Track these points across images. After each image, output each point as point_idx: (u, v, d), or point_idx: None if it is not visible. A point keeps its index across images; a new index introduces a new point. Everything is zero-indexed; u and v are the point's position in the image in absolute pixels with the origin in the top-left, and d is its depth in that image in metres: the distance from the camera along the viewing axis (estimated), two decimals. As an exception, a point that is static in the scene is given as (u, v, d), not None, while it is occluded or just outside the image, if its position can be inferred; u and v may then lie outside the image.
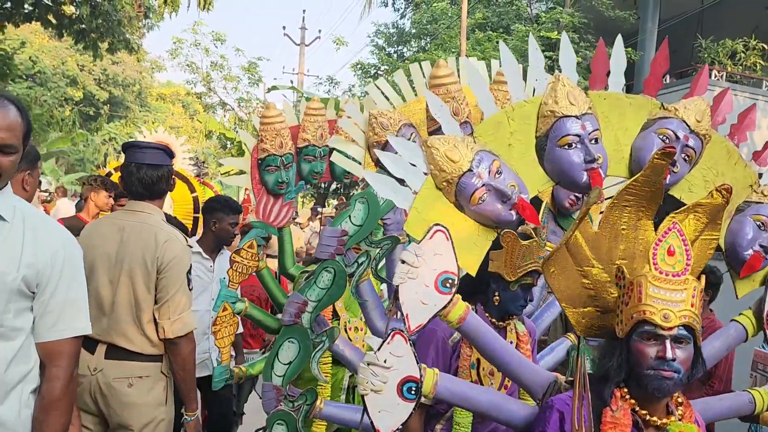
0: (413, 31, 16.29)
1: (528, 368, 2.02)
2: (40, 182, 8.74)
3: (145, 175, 2.63)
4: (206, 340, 3.60)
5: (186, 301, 2.61)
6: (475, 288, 2.33)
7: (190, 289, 2.67)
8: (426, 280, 1.78)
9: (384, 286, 3.24)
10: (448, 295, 1.81)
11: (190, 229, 5.69)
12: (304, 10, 29.45)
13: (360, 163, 2.66)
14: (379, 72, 15.09)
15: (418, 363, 1.81)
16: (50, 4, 10.96)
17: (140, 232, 2.58)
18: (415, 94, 2.81)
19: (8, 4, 10.81)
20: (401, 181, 1.97)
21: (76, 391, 1.86)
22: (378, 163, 2.37)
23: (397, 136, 2.46)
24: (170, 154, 2.78)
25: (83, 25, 11.44)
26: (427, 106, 2.50)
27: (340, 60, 72.15)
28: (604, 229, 1.75)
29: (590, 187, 1.97)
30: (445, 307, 1.81)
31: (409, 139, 2.48)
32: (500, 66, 2.77)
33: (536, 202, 2.17)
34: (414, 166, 1.96)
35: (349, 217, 2.26)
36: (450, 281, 1.80)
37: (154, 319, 2.56)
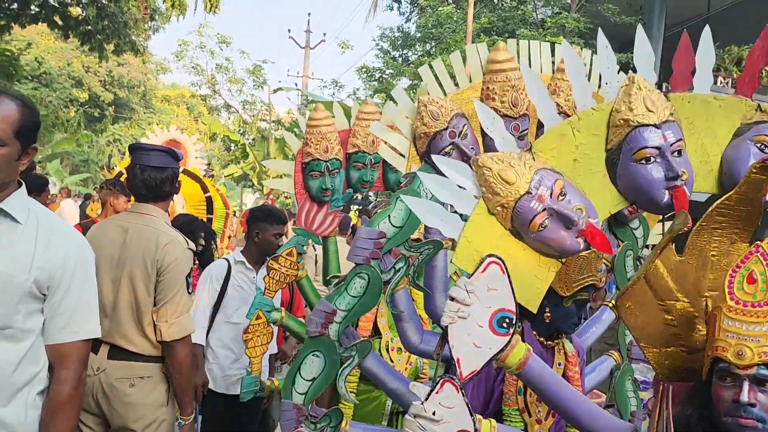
0: (418, 35, 16.30)
1: (603, 422, 1.73)
2: (47, 181, 8.88)
3: (149, 177, 2.64)
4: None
5: (185, 304, 2.62)
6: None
7: (190, 293, 2.67)
8: (479, 320, 1.57)
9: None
10: (506, 336, 1.59)
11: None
12: (309, 14, 29.73)
13: (403, 156, 2.38)
14: (383, 76, 15.09)
15: (472, 415, 1.60)
16: (56, 5, 11.00)
17: (142, 234, 2.59)
18: (470, 80, 2.46)
19: (15, 6, 10.85)
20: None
21: (84, 394, 1.86)
22: (425, 157, 2.25)
23: (447, 128, 2.24)
24: (176, 157, 2.78)
25: (89, 27, 11.47)
26: (481, 95, 2.30)
27: (344, 63, 72.31)
28: (690, 256, 1.54)
29: (673, 208, 1.74)
30: (502, 350, 1.60)
31: (460, 133, 2.24)
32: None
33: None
34: (463, 188, 1.72)
35: (389, 216, 2.06)
36: (507, 320, 1.59)
37: (154, 321, 2.57)
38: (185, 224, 3.92)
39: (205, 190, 6.24)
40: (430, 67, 2.46)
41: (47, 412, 1.74)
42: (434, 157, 1.82)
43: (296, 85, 22.01)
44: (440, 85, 2.46)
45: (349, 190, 3.16)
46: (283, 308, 3.10)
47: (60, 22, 11.20)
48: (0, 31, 11.16)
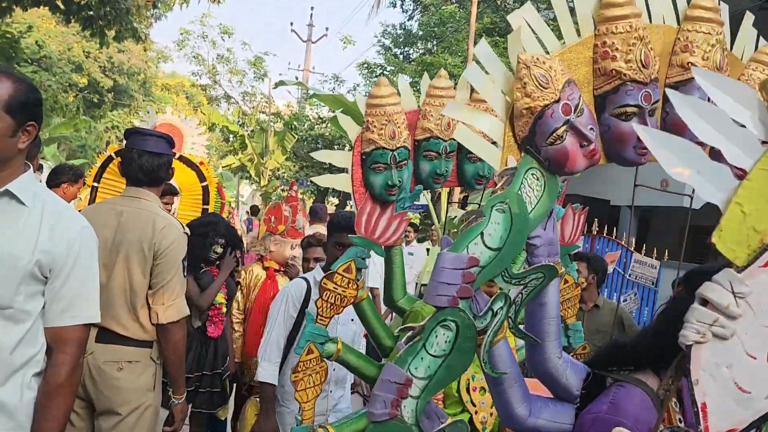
0: (420, 33, 16.30)
1: None
2: (41, 166, 8.69)
3: (146, 162, 2.66)
4: (339, 387, 3.13)
5: (180, 287, 2.64)
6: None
7: (185, 276, 2.70)
8: (751, 345, 1.03)
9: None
10: None
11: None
12: (312, 7, 29.64)
13: (495, 144, 1.73)
14: (384, 72, 15.09)
15: None
16: (59, -11, 10.95)
17: (138, 218, 2.60)
18: (578, 34, 1.76)
19: (17, -12, 10.80)
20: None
21: (80, 378, 1.87)
22: (527, 145, 1.64)
23: (560, 100, 1.60)
24: (172, 143, 2.81)
25: (91, 12, 11.42)
26: (594, 55, 1.71)
27: (346, 59, 72.07)
28: None
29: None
30: None
31: (576, 107, 1.62)
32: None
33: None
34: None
35: (481, 235, 1.50)
36: None
37: (148, 305, 2.58)
38: (200, 225, 3.78)
39: (202, 178, 5.84)
40: (524, 18, 1.74)
41: (43, 395, 1.75)
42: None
43: (297, 78, 21.97)
44: (539, 41, 1.74)
45: (418, 187, 2.54)
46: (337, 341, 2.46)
47: (62, 6, 11.15)
48: (1, 13, 11.11)
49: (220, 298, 3.87)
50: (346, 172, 2.44)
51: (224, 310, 3.95)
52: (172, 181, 5.07)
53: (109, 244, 2.56)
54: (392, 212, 2.43)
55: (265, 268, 4.60)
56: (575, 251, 3.02)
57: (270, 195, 18.45)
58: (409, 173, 2.44)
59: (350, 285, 2.29)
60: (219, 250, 3.85)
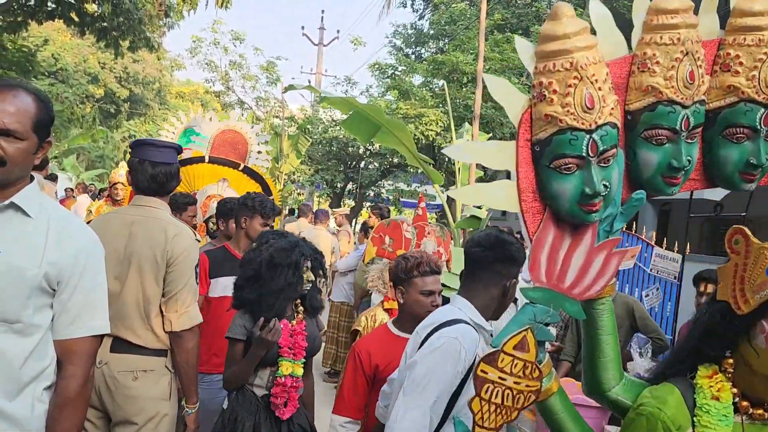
0: (431, 32, 16.26)
1: None
2: (56, 177, 8.72)
3: (160, 173, 2.67)
4: None
5: (194, 294, 2.64)
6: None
7: (197, 283, 2.70)
8: None
9: None
10: None
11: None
12: (323, 11, 29.71)
13: None
14: (396, 73, 15.07)
15: None
16: (73, 2, 11.09)
17: (149, 227, 2.60)
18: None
19: (32, 2, 10.94)
20: None
21: (91, 390, 1.86)
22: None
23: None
24: (180, 152, 2.88)
25: (105, 23, 11.56)
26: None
27: (358, 61, 72.17)
28: None
29: None
30: None
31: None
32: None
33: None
34: None
35: None
36: None
37: (161, 313, 2.58)
38: (288, 247, 2.63)
39: (267, 192, 5.37)
40: None
41: (55, 408, 1.73)
42: None
43: (309, 82, 22.04)
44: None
45: (638, 194, 1.67)
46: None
47: (76, 19, 11.29)
48: (17, 27, 11.27)
49: (293, 368, 2.63)
50: (501, 176, 1.88)
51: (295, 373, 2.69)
52: (235, 195, 4.91)
53: (120, 254, 2.57)
54: (592, 240, 1.61)
55: (387, 310, 3.37)
56: None
57: (286, 199, 18.52)
58: (620, 170, 1.59)
59: (529, 372, 1.52)
60: (311, 277, 2.73)
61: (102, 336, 1.83)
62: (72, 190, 14.36)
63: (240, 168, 5.35)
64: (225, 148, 5.46)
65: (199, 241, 2.79)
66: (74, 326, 1.75)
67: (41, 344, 1.70)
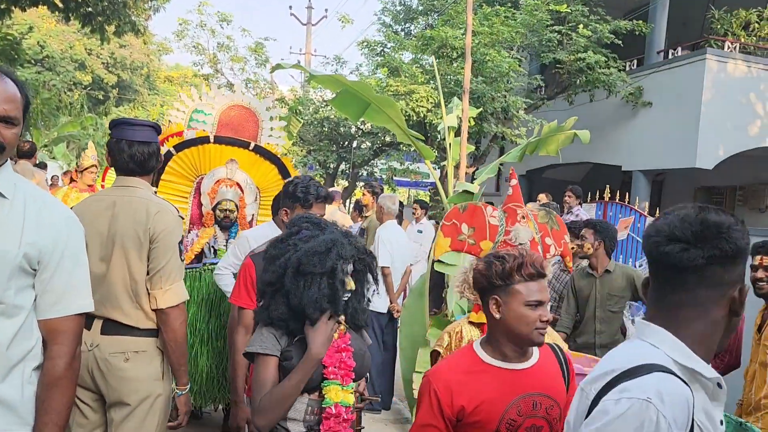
0: (420, 7, 16.09)
1: None
2: (45, 165, 8.49)
3: (137, 152, 2.66)
4: None
5: (178, 270, 2.63)
6: None
7: (182, 260, 2.69)
8: None
9: None
10: None
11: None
12: (310, -11, 29.16)
13: None
14: (385, 50, 14.94)
15: None
16: (55, -13, 10.92)
17: (131, 206, 2.60)
18: None
19: (14, -12, 10.78)
20: None
21: (79, 369, 1.86)
22: None
23: None
24: (159, 131, 2.83)
25: (89, 8, 11.40)
26: None
27: (348, 40, 71.53)
28: None
29: None
30: None
31: None
32: None
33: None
34: None
35: None
36: None
37: (148, 291, 2.58)
38: (321, 248, 2.04)
39: (285, 174, 4.74)
40: None
41: (43, 388, 1.74)
42: None
43: (299, 62, 21.87)
44: None
45: None
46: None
47: (60, 5, 11.13)
48: (1, 14, 11.11)
49: (343, 395, 2.03)
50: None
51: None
52: (246, 179, 4.63)
53: (104, 235, 2.57)
54: None
55: (475, 324, 2.78)
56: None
57: (279, 181, 18.43)
58: None
59: None
60: (351, 286, 2.12)
61: (85, 314, 1.83)
62: (57, 177, 14.26)
63: (250, 147, 4.71)
64: (233, 127, 4.82)
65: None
66: (58, 306, 1.75)
67: (26, 325, 1.71)
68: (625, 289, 4.38)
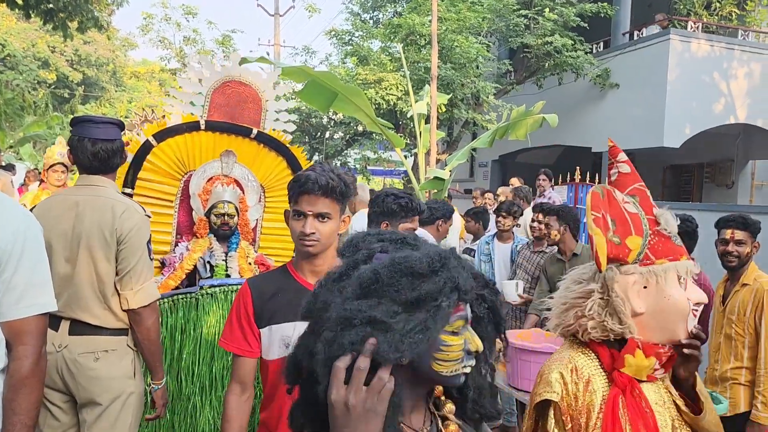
0: (388, -5, 16.07)
1: None
2: (13, 166, 7.84)
3: (100, 150, 2.61)
4: None
5: (148, 270, 2.60)
6: None
7: (151, 259, 2.65)
8: None
9: None
10: None
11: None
12: (276, -21, 28.83)
13: None
14: (353, 39, 14.89)
15: None
16: (13, -17, 10.66)
17: (96, 205, 2.55)
18: None
19: (-30, -14, 10.50)
20: None
21: (46, 368, 1.83)
22: None
23: None
24: (122, 128, 2.75)
25: (50, 5, 11.15)
26: None
27: (316, 29, 70.94)
28: None
29: None
30: None
31: None
32: None
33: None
34: None
35: None
36: None
37: (117, 292, 2.55)
38: (429, 267, 1.05)
39: (296, 167, 3.86)
40: None
41: (9, 390, 1.71)
42: None
43: (267, 54, 21.67)
44: None
45: None
46: None
47: (19, 1, 10.87)
48: (-43, 13, 10.83)
49: None
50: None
51: None
52: (247, 174, 3.74)
53: (69, 235, 2.52)
54: None
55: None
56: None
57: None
58: None
59: None
60: (478, 346, 1.10)
61: (48, 314, 1.80)
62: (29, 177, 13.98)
63: (252, 135, 3.76)
64: (229, 109, 3.79)
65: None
66: (20, 306, 1.72)
67: None
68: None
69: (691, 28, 12.74)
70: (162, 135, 3.59)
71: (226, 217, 3.56)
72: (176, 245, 3.69)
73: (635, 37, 13.15)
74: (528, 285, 4.98)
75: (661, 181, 15.04)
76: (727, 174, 14.01)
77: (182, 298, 3.23)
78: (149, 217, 2.69)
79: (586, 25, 12.61)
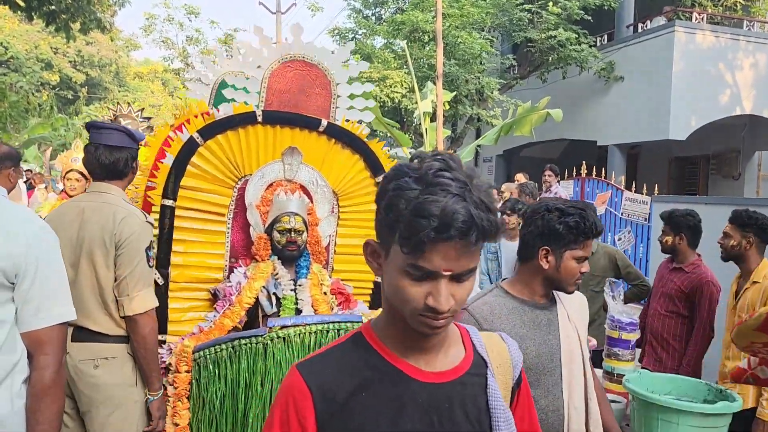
0: (390, -9, 16.02)
1: None
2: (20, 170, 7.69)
3: (102, 156, 2.62)
4: None
5: (146, 277, 2.58)
6: None
7: (150, 266, 2.62)
8: None
9: None
10: None
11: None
12: (277, -23, 28.75)
13: None
14: (357, 36, 14.85)
15: None
16: (16, -14, 10.67)
17: (99, 212, 2.56)
18: None
19: (-28, -10, 10.52)
20: None
21: (65, 377, 1.85)
22: None
23: None
24: (133, 137, 2.70)
25: (52, 6, 11.17)
26: None
27: (318, 27, 70.85)
28: None
29: None
30: None
31: None
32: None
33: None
34: None
35: None
36: None
37: (116, 297, 2.54)
38: None
39: (376, 170, 3.23)
40: None
41: (32, 399, 1.73)
42: None
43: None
44: None
45: None
46: None
47: (22, 3, 10.88)
48: (-40, 17, 10.85)
49: None
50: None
51: None
52: (316, 178, 3.11)
53: (73, 241, 2.53)
54: None
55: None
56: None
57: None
58: None
59: None
60: None
61: (67, 323, 1.81)
62: (34, 179, 14.03)
63: (321, 128, 3.07)
64: (291, 96, 3.08)
65: (151, 224, 2.61)
66: (39, 316, 1.73)
67: (9, 338, 1.69)
68: (608, 269, 4.44)
69: (696, 19, 12.66)
70: (209, 131, 2.95)
71: (292, 233, 2.91)
72: (231, 271, 3.00)
73: (639, 30, 13.08)
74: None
75: (666, 174, 14.98)
76: (733, 165, 13.94)
77: (246, 344, 2.57)
78: (151, 224, 2.67)
79: (590, 18, 12.54)
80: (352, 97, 3.25)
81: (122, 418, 2.55)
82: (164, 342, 2.83)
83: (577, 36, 12.35)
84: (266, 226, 2.97)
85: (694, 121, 11.85)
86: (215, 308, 2.87)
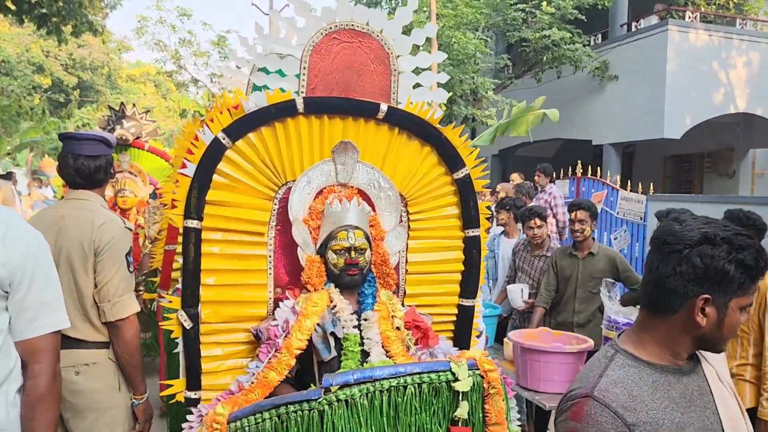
0: (383, -9, 16.00)
1: None
2: (10, 174, 7.85)
3: (82, 166, 2.67)
4: None
5: (127, 282, 2.59)
6: None
7: (131, 272, 2.64)
8: None
9: None
10: None
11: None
12: (270, -22, 28.71)
13: None
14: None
15: None
16: (6, -11, 10.59)
17: (78, 218, 2.59)
18: None
19: (-38, -7, 10.44)
20: None
21: (60, 385, 1.86)
22: None
23: None
24: (109, 144, 2.78)
25: (43, 9, 11.09)
26: None
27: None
28: None
29: None
30: None
31: None
32: None
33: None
34: None
35: None
36: None
37: (96, 304, 2.56)
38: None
39: (451, 160, 2.53)
40: None
41: (27, 408, 1.73)
42: None
43: (263, 53, 21.61)
44: None
45: None
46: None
47: (12, 7, 10.81)
48: (-50, 21, 10.77)
49: None
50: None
51: None
52: (377, 180, 2.44)
53: (52, 248, 2.53)
54: None
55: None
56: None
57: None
58: None
59: None
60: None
61: (61, 331, 1.82)
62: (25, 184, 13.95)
63: (380, 114, 2.39)
64: (339, 76, 2.39)
65: (130, 229, 2.68)
66: (34, 325, 1.74)
67: (3, 347, 1.69)
68: (607, 271, 4.41)
69: (689, 18, 12.69)
70: (238, 129, 2.26)
71: (352, 253, 2.31)
72: (276, 306, 2.36)
73: (633, 29, 13.09)
74: (533, 291, 4.94)
75: (662, 172, 15.00)
76: (728, 163, 13.98)
77: (295, 412, 1.87)
78: (130, 230, 2.70)
79: (583, 17, 12.55)
80: (417, 72, 2.50)
81: (107, 424, 2.56)
82: (197, 401, 2.20)
83: (571, 35, 12.35)
84: (318, 245, 2.37)
85: (689, 120, 11.86)
86: (257, 355, 2.24)
